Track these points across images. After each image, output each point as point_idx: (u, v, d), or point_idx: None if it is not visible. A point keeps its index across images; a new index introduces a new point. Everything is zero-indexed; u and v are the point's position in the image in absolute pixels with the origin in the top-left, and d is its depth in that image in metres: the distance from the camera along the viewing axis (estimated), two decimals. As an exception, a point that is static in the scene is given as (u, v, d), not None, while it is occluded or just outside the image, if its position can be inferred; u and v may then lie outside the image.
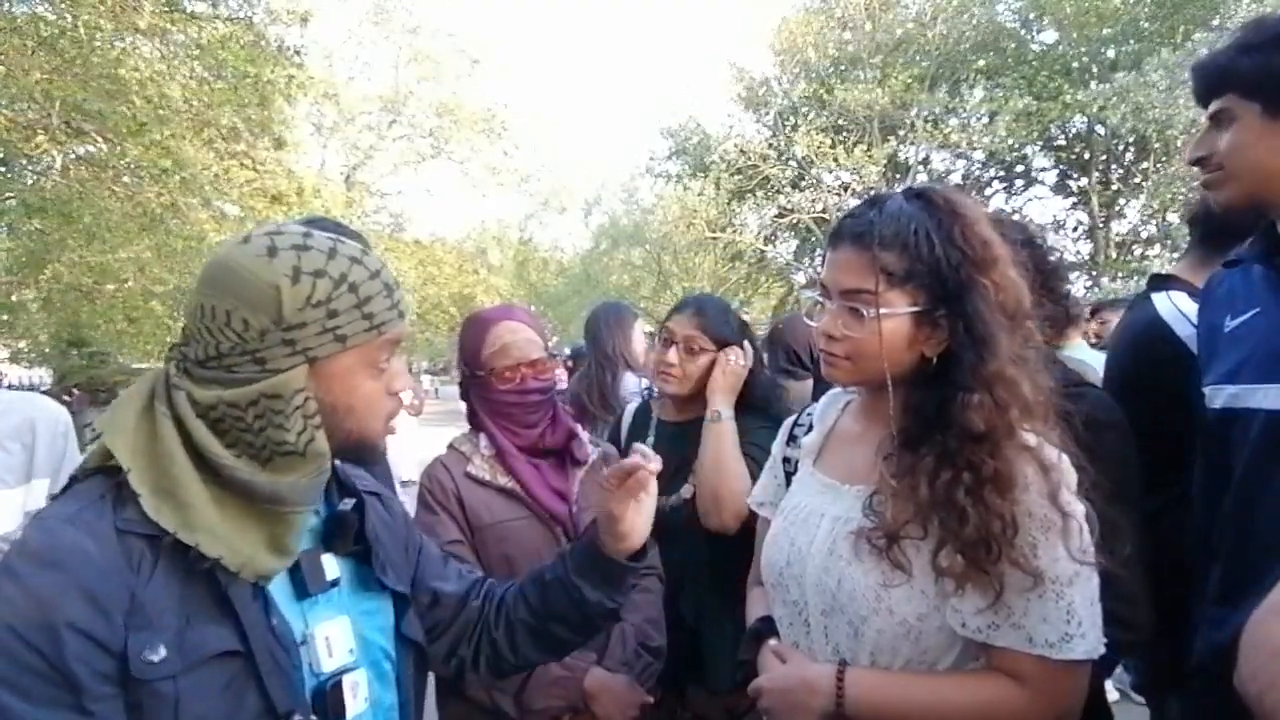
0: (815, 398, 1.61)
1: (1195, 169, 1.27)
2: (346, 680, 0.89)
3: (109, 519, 0.78)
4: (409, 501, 1.82)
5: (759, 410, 1.82)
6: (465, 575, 1.18)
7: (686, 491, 1.85)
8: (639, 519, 1.08)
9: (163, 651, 0.76)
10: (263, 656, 0.81)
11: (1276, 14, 1.14)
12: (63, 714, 0.72)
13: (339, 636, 0.91)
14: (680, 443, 1.92)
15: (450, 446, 1.69)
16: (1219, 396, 1.25)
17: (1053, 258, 1.44)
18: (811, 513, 1.15)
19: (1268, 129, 1.12)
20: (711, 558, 1.72)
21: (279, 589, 0.87)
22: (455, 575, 1.17)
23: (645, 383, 2.83)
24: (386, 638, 1.00)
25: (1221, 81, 1.16)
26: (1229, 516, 1.22)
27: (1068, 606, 0.96)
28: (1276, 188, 1.14)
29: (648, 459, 1.06)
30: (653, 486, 1.08)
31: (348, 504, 0.98)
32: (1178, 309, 1.55)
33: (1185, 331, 1.50)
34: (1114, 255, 16.97)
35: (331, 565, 0.93)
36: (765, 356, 3.21)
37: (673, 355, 1.84)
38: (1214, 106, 1.18)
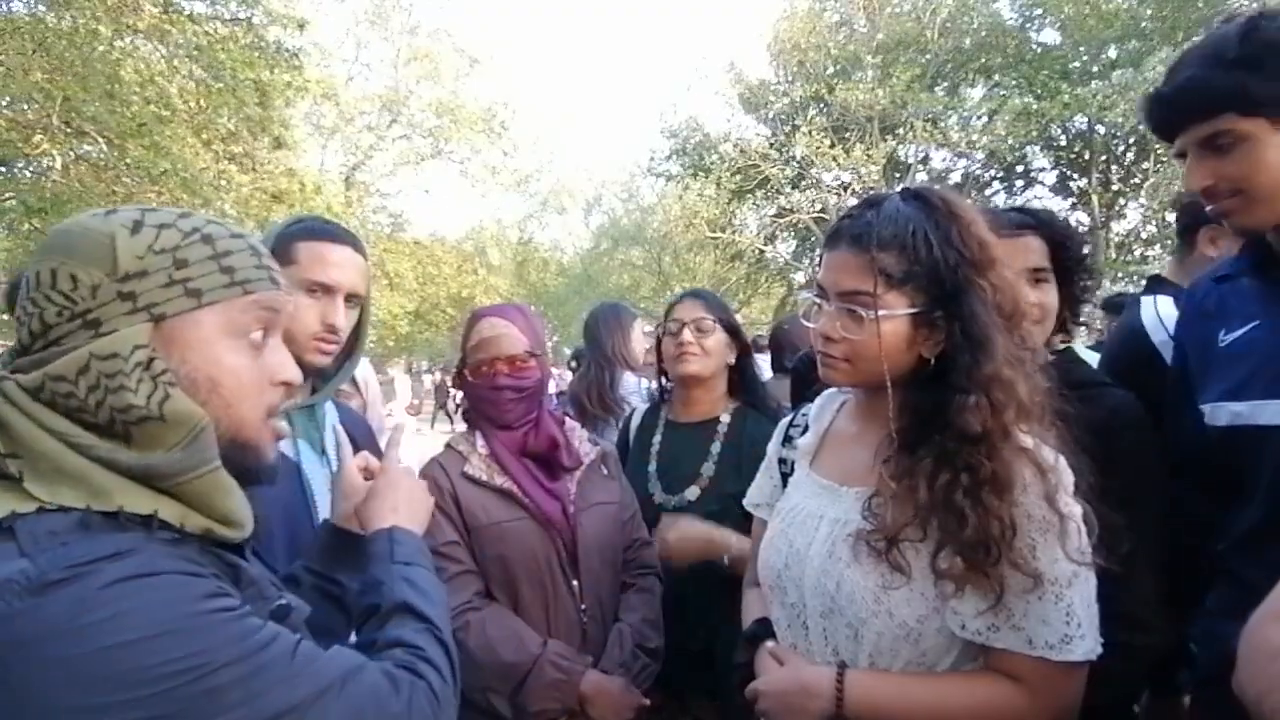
0: (794, 399, 1.62)
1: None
2: None
3: (155, 545, 0.68)
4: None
5: (769, 413, 1.86)
6: None
7: (691, 494, 1.85)
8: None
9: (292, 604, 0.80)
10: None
11: (1230, 26, 1.09)
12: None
13: None
14: (688, 444, 1.93)
15: (448, 446, 1.69)
16: (1222, 414, 1.20)
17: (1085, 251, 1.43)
18: (810, 514, 1.15)
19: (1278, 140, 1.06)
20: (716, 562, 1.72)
21: None
22: None
23: (645, 383, 2.83)
24: None
25: (1213, 104, 1.07)
26: (1253, 534, 1.17)
27: (1067, 608, 0.96)
28: None
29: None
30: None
31: None
32: (1157, 315, 1.56)
33: (1160, 338, 1.50)
34: (1114, 255, 16.97)
35: None
36: (770, 357, 3.22)
37: (687, 335, 1.90)
38: (1206, 130, 1.09)
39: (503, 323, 1.63)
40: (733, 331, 1.96)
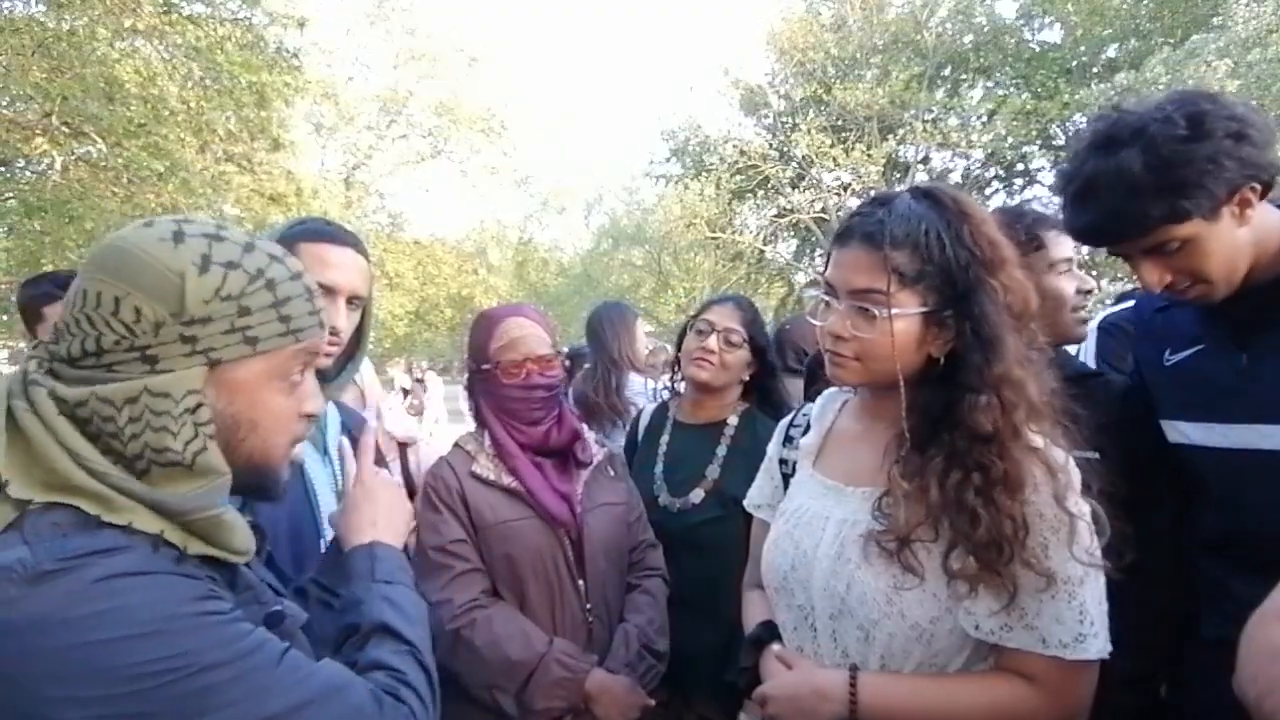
0: (809, 398, 1.61)
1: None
2: None
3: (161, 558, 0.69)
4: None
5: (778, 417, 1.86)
6: None
7: (696, 496, 1.85)
8: None
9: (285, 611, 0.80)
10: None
11: (1126, 154, 1.10)
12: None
13: None
14: (695, 445, 1.93)
15: (456, 445, 1.68)
16: (1173, 432, 1.28)
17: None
18: (815, 515, 1.14)
19: (1216, 231, 1.12)
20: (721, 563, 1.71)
21: None
22: None
23: (651, 384, 2.82)
24: None
25: (1148, 226, 1.12)
26: (1216, 536, 1.24)
27: (1080, 606, 0.96)
28: (1243, 261, 1.15)
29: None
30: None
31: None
32: (1094, 330, 1.66)
33: (1089, 351, 1.59)
34: (1113, 256, 16.95)
35: None
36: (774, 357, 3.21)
37: (713, 343, 1.87)
38: (1148, 243, 1.14)
39: (529, 323, 1.64)
40: (759, 351, 1.93)
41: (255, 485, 0.81)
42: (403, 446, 2.28)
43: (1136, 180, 1.09)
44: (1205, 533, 1.26)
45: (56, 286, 2.22)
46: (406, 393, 11.49)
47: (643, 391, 2.80)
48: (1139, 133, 1.10)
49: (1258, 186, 1.10)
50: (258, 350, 0.75)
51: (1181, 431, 1.26)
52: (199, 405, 0.72)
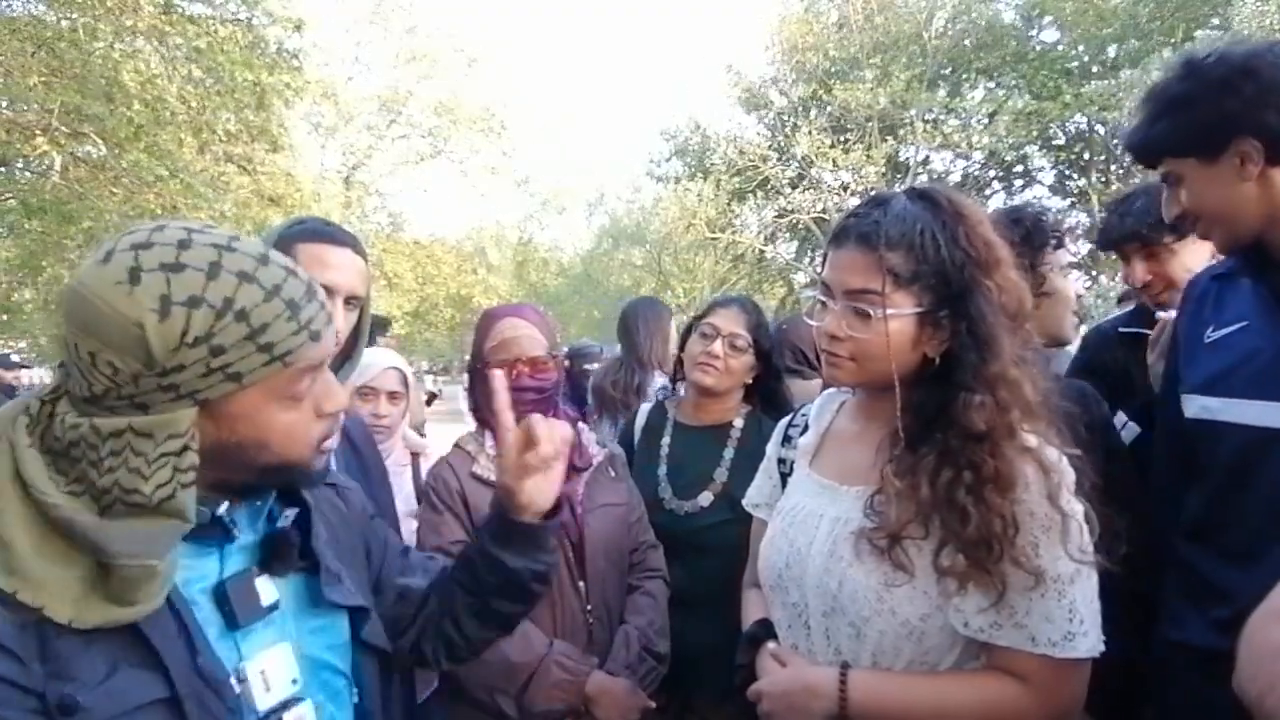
0: None
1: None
2: (289, 717, 0.81)
3: None
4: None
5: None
6: (429, 567, 1.12)
7: (705, 499, 1.84)
8: (538, 492, 1.02)
9: (84, 703, 0.67)
10: (190, 704, 0.72)
11: (1164, 77, 1.22)
12: None
13: (278, 667, 0.82)
14: (698, 447, 1.91)
15: (456, 445, 1.69)
16: (1192, 405, 1.27)
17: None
18: (810, 514, 1.15)
19: (1210, 174, 1.18)
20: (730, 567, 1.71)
21: (207, 621, 0.78)
22: (421, 568, 1.11)
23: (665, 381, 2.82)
24: (339, 654, 0.92)
25: (1152, 152, 1.24)
26: (1198, 523, 1.25)
27: (1069, 605, 0.97)
28: (1246, 218, 1.19)
29: (551, 437, 1.01)
30: (558, 465, 1.04)
31: (289, 515, 0.89)
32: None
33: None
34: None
35: (269, 588, 0.84)
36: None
37: (718, 348, 1.85)
38: (1160, 171, 1.26)
39: (524, 323, 1.63)
40: (764, 355, 1.91)
41: (284, 483, 0.81)
42: (414, 455, 2.29)
43: (1160, 104, 1.19)
44: (1194, 519, 1.26)
45: None
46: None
47: (664, 386, 2.80)
48: (1190, 64, 1.18)
49: (1259, 144, 1.13)
50: (244, 384, 0.73)
51: (1204, 406, 1.25)
52: (184, 449, 0.71)
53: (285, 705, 0.81)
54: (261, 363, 0.73)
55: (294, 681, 0.83)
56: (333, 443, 0.86)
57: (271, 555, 0.85)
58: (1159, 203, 1.35)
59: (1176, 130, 1.20)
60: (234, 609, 0.79)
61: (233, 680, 0.78)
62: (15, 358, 8.69)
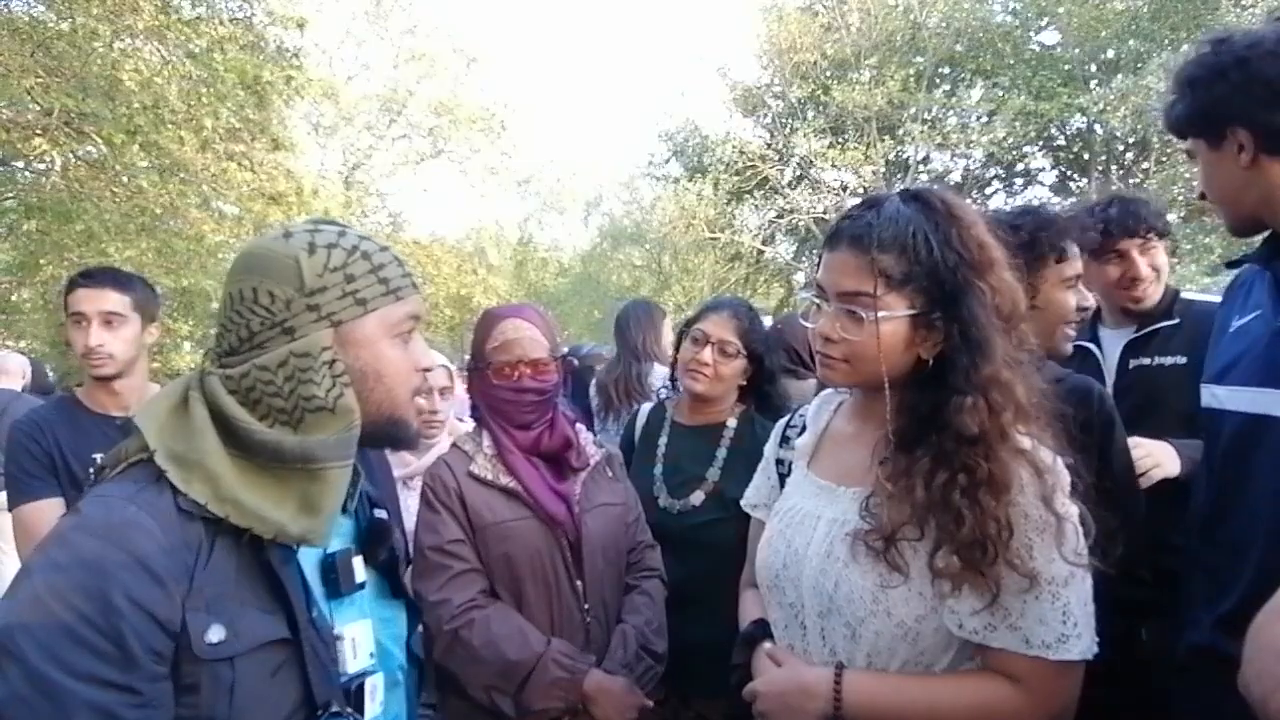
0: None
1: (1194, 166, 1.34)
2: (368, 683, 0.91)
3: (169, 498, 0.80)
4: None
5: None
6: None
7: (697, 498, 1.86)
8: None
9: (221, 633, 0.78)
10: (308, 647, 0.83)
11: (1189, 56, 1.24)
12: (110, 694, 0.70)
13: (363, 639, 0.93)
14: (694, 446, 1.93)
15: (454, 445, 1.69)
16: (1205, 395, 1.29)
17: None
18: (807, 515, 1.15)
19: (1215, 157, 1.20)
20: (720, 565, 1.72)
21: (314, 584, 0.89)
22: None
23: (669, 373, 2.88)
24: (400, 647, 1.02)
25: (1173, 129, 1.29)
26: (1204, 517, 1.26)
27: (1063, 607, 0.97)
28: (1243, 204, 1.21)
29: None
30: None
31: (381, 514, 1.02)
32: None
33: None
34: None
35: (360, 568, 0.96)
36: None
37: (707, 355, 1.88)
38: (1187, 146, 1.29)
39: (526, 325, 1.63)
40: (756, 358, 1.93)
41: (390, 434, 0.94)
42: None
43: (1174, 83, 1.23)
44: (1200, 513, 1.26)
45: None
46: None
47: (665, 379, 2.89)
48: (1211, 44, 1.20)
49: (1249, 134, 1.14)
50: (368, 309, 0.89)
51: (1214, 394, 1.27)
52: (334, 360, 0.87)
53: (365, 674, 0.92)
54: (380, 293, 0.90)
55: (371, 655, 0.94)
56: (422, 404, 0.98)
57: (368, 539, 0.99)
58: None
59: (1186, 111, 1.23)
60: (339, 577, 0.92)
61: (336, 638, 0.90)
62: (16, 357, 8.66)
